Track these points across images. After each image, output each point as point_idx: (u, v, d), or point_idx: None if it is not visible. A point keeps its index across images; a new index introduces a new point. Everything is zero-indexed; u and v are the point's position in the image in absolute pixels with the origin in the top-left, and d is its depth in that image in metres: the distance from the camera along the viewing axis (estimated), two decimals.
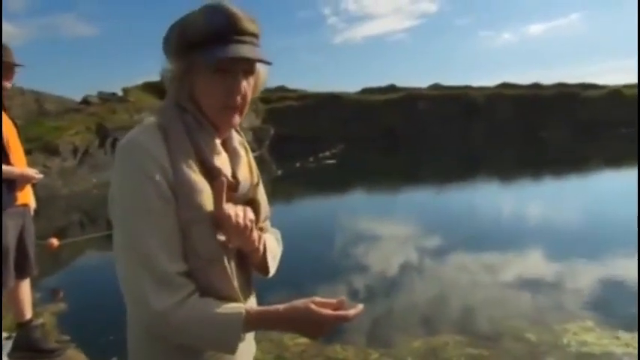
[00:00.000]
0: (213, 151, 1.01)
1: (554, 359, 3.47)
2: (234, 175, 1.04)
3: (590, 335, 3.86)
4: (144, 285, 0.88)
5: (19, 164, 2.56)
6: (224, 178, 0.97)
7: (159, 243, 0.89)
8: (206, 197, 0.95)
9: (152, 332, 0.94)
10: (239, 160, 1.08)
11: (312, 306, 0.92)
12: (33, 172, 2.61)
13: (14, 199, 2.50)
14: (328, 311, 0.93)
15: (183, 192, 0.92)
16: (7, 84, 2.55)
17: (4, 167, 2.42)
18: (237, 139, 1.13)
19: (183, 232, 0.92)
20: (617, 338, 3.79)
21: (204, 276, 0.93)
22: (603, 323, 4.04)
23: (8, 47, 2.52)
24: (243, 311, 0.92)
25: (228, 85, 0.98)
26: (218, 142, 1.03)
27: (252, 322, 0.92)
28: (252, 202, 1.10)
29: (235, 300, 0.96)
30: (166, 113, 1.00)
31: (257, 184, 1.13)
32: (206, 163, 0.98)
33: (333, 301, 0.96)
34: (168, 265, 0.89)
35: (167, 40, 1.01)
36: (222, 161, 1.02)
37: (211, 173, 0.98)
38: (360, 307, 0.96)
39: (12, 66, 2.55)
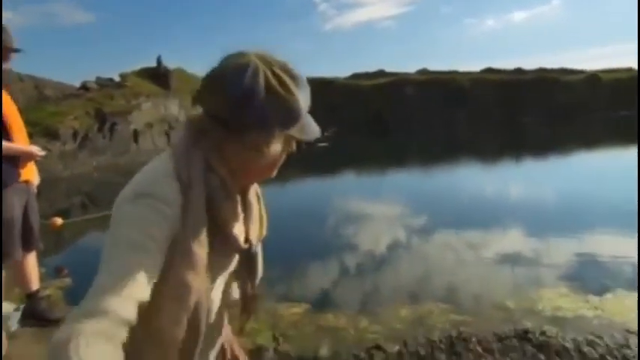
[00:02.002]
0: (234, 218, 0.91)
1: (530, 323, 3.59)
2: (246, 237, 0.97)
3: (564, 300, 4.00)
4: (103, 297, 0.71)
5: (21, 142, 2.53)
6: None
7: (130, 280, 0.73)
8: (198, 286, 0.82)
9: None
10: (252, 214, 0.99)
11: None
12: (36, 150, 2.59)
13: (18, 175, 2.49)
14: None
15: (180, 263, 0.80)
16: (5, 66, 2.49)
17: (7, 144, 2.39)
18: (254, 190, 1.03)
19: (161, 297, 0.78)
20: (587, 302, 3.94)
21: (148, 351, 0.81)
22: (576, 290, 4.19)
23: (7, 30, 2.46)
24: None
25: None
26: (238, 203, 0.94)
27: None
28: (254, 256, 1.02)
29: None
30: (189, 166, 0.84)
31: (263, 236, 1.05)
32: (224, 231, 0.89)
33: None
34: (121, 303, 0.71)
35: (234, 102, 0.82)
36: (239, 227, 0.94)
37: (228, 241, 0.90)
38: None
39: (10, 49, 2.49)
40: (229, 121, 0.83)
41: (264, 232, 1.05)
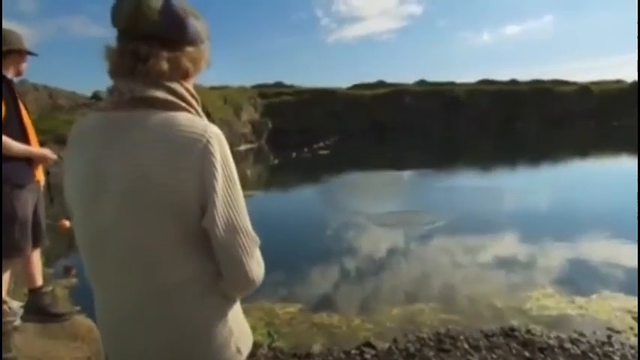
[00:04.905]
0: None
1: (516, 322, 3.56)
2: None
3: (550, 300, 4.01)
4: (257, 256, 0.98)
5: (35, 145, 2.58)
6: None
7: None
8: None
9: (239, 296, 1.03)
10: None
11: None
12: (49, 152, 2.65)
13: (33, 176, 2.54)
14: None
15: None
16: (21, 68, 2.51)
17: (27, 147, 2.46)
18: None
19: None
20: (573, 302, 3.94)
21: None
22: (563, 291, 4.20)
23: (19, 35, 2.47)
24: None
25: None
26: None
27: None
28: None
29: None
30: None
31: None
32: None
33: None
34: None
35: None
36: None
37: None
38: None
39: (23, 52, 2.50)
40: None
41: None
